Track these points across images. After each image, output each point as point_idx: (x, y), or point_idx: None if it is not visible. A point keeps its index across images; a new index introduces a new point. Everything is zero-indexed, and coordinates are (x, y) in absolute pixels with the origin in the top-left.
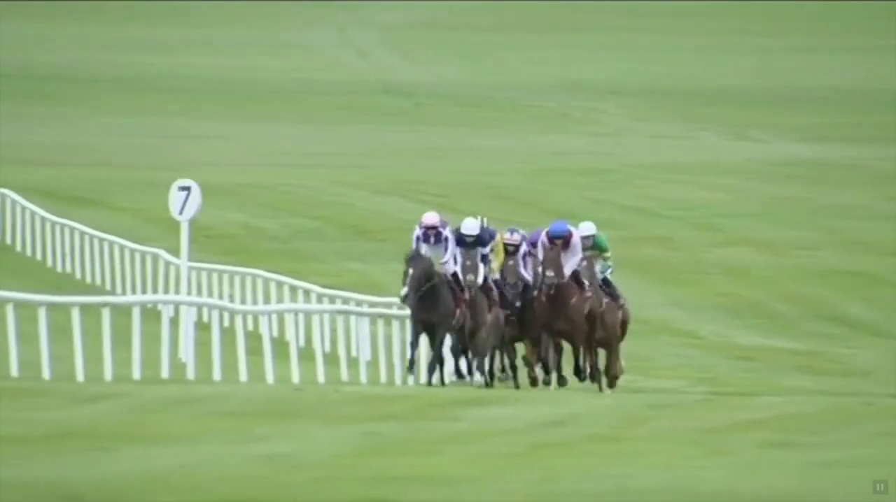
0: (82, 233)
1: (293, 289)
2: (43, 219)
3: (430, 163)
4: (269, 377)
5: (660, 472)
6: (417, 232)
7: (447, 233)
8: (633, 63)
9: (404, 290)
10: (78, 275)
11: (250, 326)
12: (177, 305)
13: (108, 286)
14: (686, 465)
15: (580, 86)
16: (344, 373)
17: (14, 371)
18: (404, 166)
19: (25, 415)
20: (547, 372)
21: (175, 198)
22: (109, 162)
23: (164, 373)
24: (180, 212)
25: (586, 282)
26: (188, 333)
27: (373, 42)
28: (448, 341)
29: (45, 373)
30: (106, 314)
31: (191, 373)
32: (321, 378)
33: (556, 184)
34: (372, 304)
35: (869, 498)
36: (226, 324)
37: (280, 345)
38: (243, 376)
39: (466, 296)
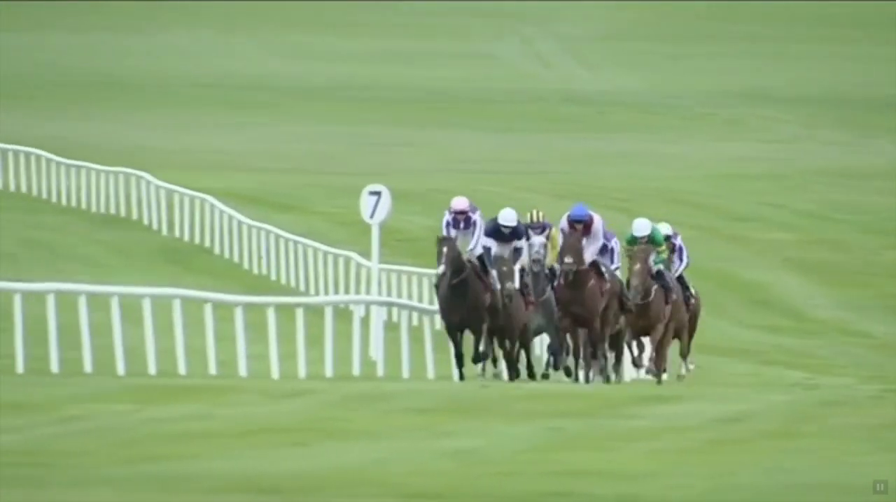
0: (277, 237)
1: None
2: (240, 223)
3: (611, 168)
4: (456, 375)
5: (833, 468)
6: (447, 217)
7: (476, 217)
8: (804, 72)
9: (441, 268)
10: (273, 276)
11: (437, 325)
12: (367, 305)
13: (301, 287)
14: (859, 462)
15: (754, 94)
16: None
17: (212, 369)
18: (585, 172)
19: (224, 411)
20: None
21: (366, 202)
22: (304, 168)
23: (355, 370)
24: (371, 216)
25: (606, 271)
26: (378, 332)
27: (556, 53)
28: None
29: (242, 371)
30: (300, 314)
31: (380, 371)
32: (505, 376)
33: (732, 189)
34: None
35: None
36: (414, 323)
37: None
38: (431, 374)
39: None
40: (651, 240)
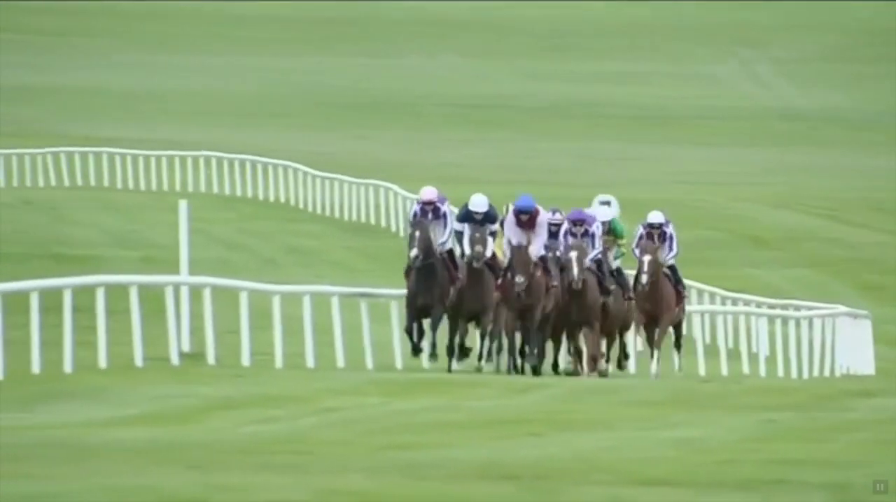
0: None
1: (700, 292)
2: None
3: (821, 180)
4: (679, 370)
5: None
6: (415, 207)
7: (445, 209)
8: None
9: (414, 252)
10: None
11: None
12: None
13: None
14: None
15: None
16: (745, 367)
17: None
18: (797, 183)
19: (465, 404)
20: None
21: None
22: (537, 180)
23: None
24: None
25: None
26: None
27: (771, 74)
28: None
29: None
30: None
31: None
32: (724, 371)
33: None
34: (770, 306)
35: None
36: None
37: (688, 342)
38: (653, 370)
39: (461, 274)
40: (611, 229)
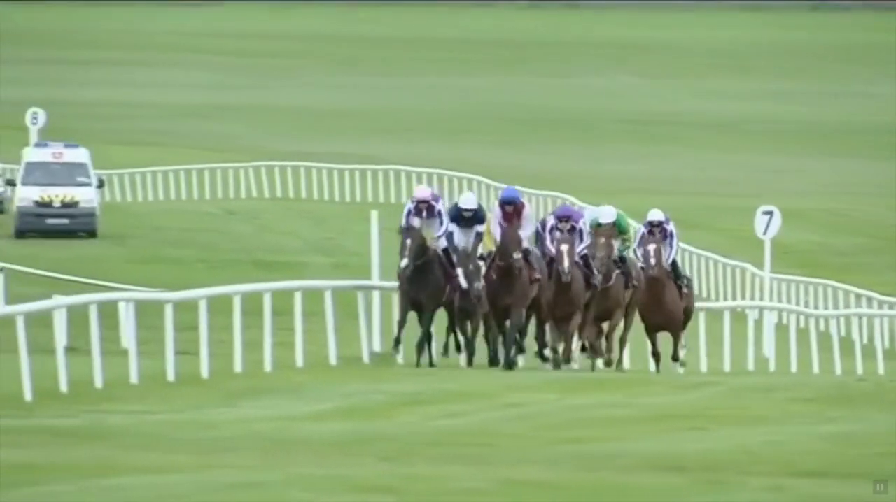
0: (683, 250)
1: (858, 296)
2: None
3: None
4: (838, 369)
5: None
6: (409, 206)
7: (440, 207)
8: None
9: (404, 261)
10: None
11: (822, 327)
12: (760, 310)
13: (703, 294)
14: None
15: None
16: None
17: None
18: None
19: (638, 401)
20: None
21: (759, 220)
22: (706, 191)
23: (750, 365)
24: (764, 233)
25: (535, 259)
26: (769, 333)
27: None
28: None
29: (651, 367)
30: (701, 317)
31: (772, 366)
32: (881, 370)
33: None
34: None
35: None
36: (801, 325)
37: (846, 344)
38: (815, 369)
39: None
40: (616, 225)
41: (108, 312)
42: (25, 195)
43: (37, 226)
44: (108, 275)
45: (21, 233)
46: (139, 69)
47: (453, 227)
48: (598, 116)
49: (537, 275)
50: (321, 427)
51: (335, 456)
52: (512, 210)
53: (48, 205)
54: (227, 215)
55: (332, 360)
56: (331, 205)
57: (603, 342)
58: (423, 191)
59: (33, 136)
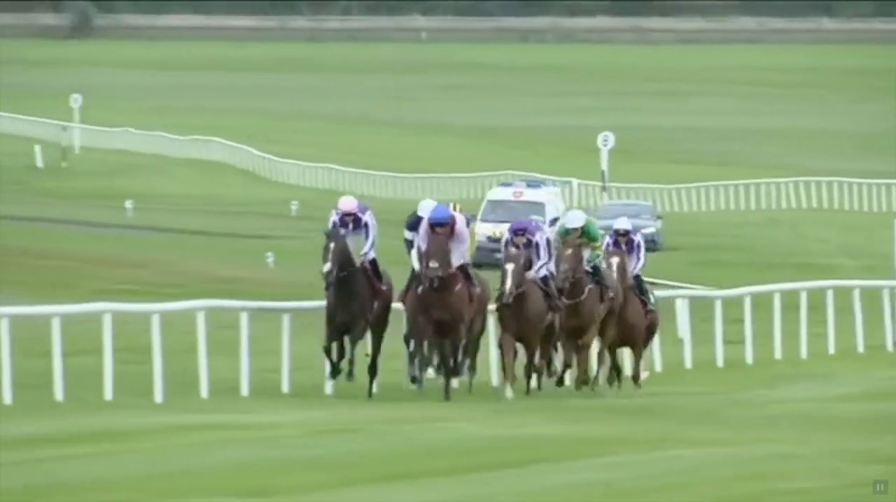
0: None
1: None
2: None
3: None
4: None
5: None
6: (334, 217)
7: (367, 218)
8: None
9: (327, 266)
10: None
11: None
12: None
13: None
14: None
15: None
16: None
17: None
18: None
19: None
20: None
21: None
22: None
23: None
24: None
25: (474, 275)
26: None
27: None
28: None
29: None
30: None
31: None
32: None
33: None
34: None
35: None
36: None
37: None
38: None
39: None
40: (585, 233)
41: (667, 307)
42: (481, 230)
43: (488, 259)
44: (671, 275)
45: (478, 265)
46: (692, 98)
47: (413, 236)
48: None
49: (477, 290)
50: (848, 407)
51: (859, 433)
52: (443, 230)
53: (498, 240)
54: (768, 223)
55: (860, 349)
56: (860, 215)
57: (574, 359)
58: (348, 203)
59: (603, 157)
